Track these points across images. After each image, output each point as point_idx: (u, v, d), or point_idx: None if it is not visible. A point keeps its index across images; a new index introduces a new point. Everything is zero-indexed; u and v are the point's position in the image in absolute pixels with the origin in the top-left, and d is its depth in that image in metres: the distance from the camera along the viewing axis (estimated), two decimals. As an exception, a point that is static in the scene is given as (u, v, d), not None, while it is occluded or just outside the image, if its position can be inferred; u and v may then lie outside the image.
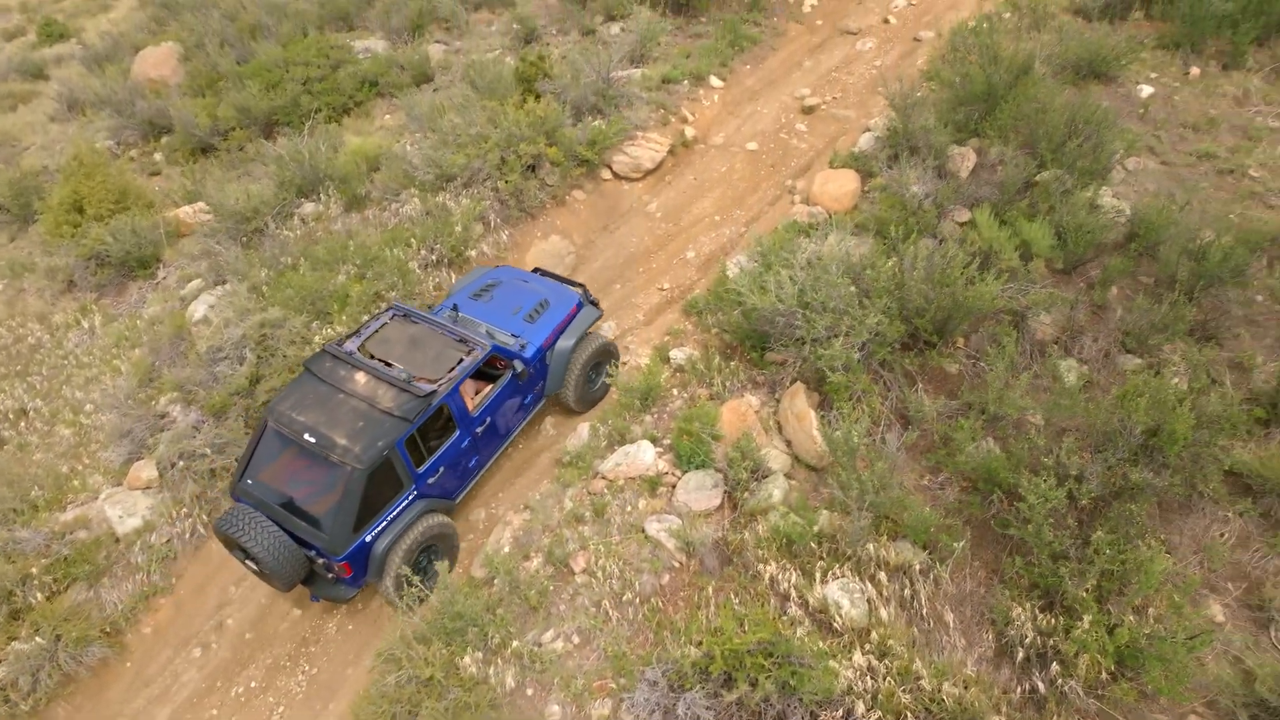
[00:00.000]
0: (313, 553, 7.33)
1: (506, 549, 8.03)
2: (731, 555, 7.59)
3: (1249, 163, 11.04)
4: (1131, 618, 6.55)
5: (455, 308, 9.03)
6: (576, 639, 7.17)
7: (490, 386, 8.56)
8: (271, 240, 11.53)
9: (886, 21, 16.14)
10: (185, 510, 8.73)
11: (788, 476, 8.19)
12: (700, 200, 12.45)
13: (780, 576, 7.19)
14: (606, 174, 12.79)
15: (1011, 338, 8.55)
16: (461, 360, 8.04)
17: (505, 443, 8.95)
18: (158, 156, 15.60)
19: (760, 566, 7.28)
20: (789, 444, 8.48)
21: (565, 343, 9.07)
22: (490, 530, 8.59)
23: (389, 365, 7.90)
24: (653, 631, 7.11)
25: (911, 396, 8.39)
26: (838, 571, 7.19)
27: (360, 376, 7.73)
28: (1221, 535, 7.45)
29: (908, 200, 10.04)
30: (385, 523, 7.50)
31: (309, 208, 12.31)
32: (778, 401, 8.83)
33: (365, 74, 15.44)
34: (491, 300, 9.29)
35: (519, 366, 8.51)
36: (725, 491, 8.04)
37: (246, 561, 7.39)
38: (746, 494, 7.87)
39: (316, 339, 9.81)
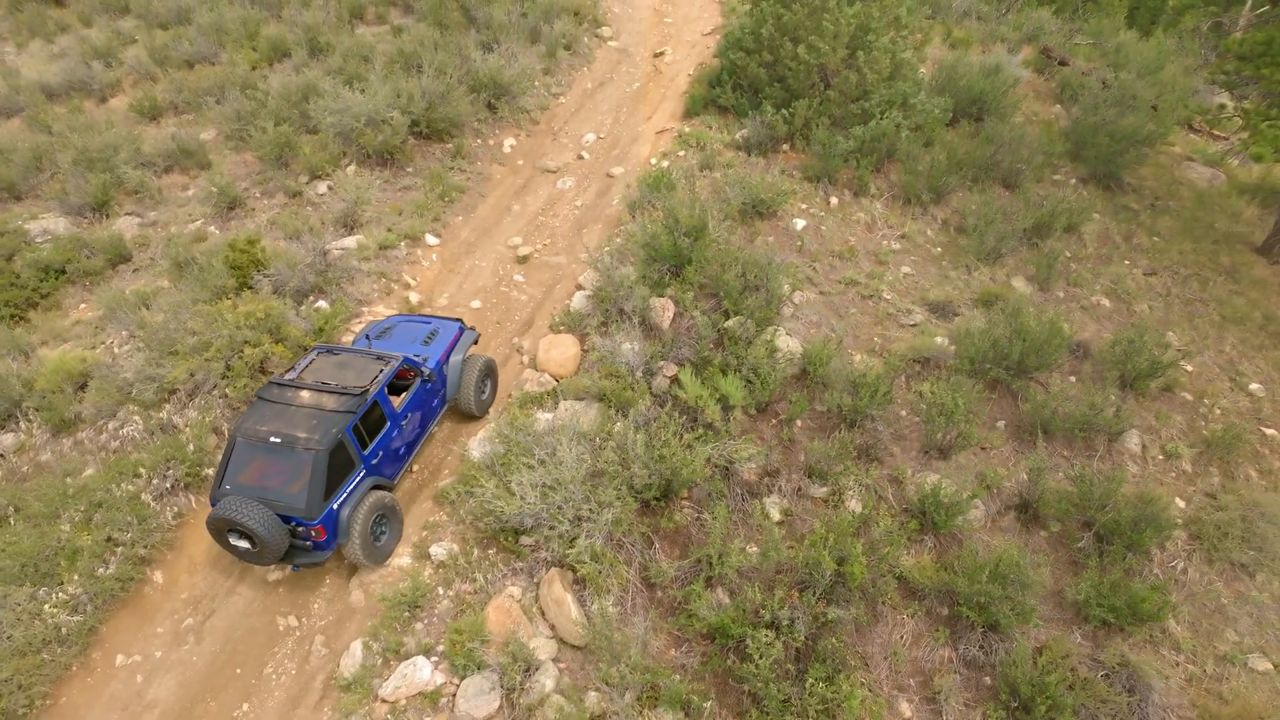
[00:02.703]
0: (293, 523, 9.19)
1: (299, 801, 8.19)
2: (517, 756, 8.33)
3: (882, 286, 13.62)
4: (845, 735, 8.15)
5: (369, 338, 11.68)
6: None
7: (406, 393, 10.93)
8: (-31, 489, 10.58)
9: (581, 158, 17.73)
10: None
11: (556, 661, 9.08)
12: (435, 369, 13.04)
13: (564, 769, 8.05)
14: (337, 354, 13.00)
15: (722, 493, 10.08)
16: (382, 369, 10.33)
17: (424, 435, 11.34)
18: None
19: (544, 763, 8.10)
20: (553, 628, 9.36)
21: (456, 358, 11.77)
22: (278, 779, 8.66)
23: (325, 383, 10.04)
24: None
25: (651, 563, 9.62)
26: (612, 752, 8.19)
27: (305, 393, 9.89)
28: (901, 638, 9.36)
29: (622, 370, 11.36)
30: (345, 494, 9.54)
31: (9, 439, 11.42)
32: (538, 586, 9.70)
33: (48, 261, 14.36)
34: (391, 337, 11.91)
35: (426, 371, 11.02)
36: (503, 691, 8.76)
37: (239, 544, 9.16)
38: (521, 694, 8.65)
39: (47, 608, 9.27)
